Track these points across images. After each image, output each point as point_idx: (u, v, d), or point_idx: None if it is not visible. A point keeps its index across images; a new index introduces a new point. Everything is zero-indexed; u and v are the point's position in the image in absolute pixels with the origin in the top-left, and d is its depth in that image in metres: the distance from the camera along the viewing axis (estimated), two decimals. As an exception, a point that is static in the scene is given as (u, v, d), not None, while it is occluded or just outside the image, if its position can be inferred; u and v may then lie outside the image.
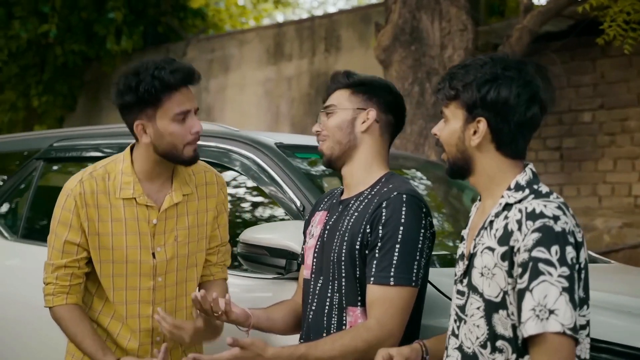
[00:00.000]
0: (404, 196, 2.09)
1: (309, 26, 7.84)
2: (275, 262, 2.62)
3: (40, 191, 3.58)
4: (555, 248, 1.67)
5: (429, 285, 2.27)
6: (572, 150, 6.29)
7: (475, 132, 1.81)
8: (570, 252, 1.68)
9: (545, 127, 6.29)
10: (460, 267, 1.91)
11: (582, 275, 1.74)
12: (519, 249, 1.72)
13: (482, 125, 1.80)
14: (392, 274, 2.04)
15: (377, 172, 2.23)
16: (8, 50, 8.56)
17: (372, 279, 2.06)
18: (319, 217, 2.31)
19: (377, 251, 2.07)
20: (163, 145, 2.20)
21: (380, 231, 2.07)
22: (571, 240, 1.70)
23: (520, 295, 1.69)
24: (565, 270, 1.66)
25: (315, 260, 2.24)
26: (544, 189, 1.81)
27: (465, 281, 1.87)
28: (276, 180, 2.88)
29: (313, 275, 2.24)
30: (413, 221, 2.08)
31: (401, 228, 2.06)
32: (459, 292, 1.90)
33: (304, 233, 2.37)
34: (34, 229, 3.53)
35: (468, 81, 1.81)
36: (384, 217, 2.07)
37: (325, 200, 2.37)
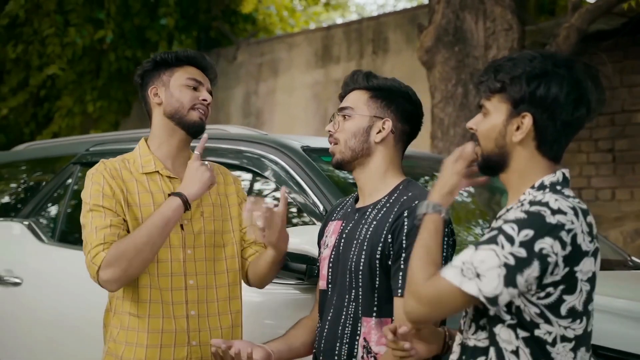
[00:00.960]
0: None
1: (356, 28, 7.79)
2: (295, 267, 2.60)
3: (76, 195, 3.64)
4: (527, 232, 1.62)
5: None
6: (625, 152, 6.07)
7: (518, 128, 1.74)
8: (546, 243, 1.61)
9: (597, 129, 6.10)
10: None
11: (580, 286, 1.66)
12: (499, 217, 1.70)
13: (527, 121, 1.73)
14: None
15: (393, 179, 2.18)
16: (65, 58, 8.75)
17: (399, 291, 2.01)
18: (334, 227, 2.25)
19: (402, 262, 2.01)
20: (171, 104, 2.34)
21: (404, 242, 2.02)
22: (564, 238, 1.63)
23: (467, 247, 1.65)
24: (521, 252, 1.60)
25: (330, 270, 2.20)
26: (568, 192, 1.73)
27: None
28: (300, 184, 2.86)
29: (330, 286, 2.20)
30: None
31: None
32: None
33: (318, 244, 2.33)
34: (70, 233, 3.60)
35: (516, 74, 1.74)
36: (406, 227, 2.03)
37: (338, 209, 2.32)
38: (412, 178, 3.41)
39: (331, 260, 2.19)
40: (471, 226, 3.46)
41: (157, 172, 2.33)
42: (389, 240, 2.04)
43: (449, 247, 2.04)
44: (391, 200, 2.12)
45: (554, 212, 1.64)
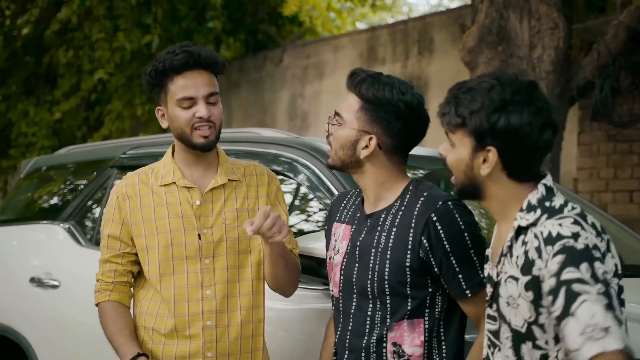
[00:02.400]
0: (449, 204, 2.00)
1: (402, 29, 7.71)
2: (323, 272, 2.55)
3: (113, 199, 3.66)
4: (584, 266, 1.55)
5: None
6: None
7: (484, 161, 1.71)
8: (599, 267, 1.56)
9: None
10: (488, 290, 1.82)
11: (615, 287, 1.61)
12: (544, 277, 1.61)
13: (492, 154, 1.70)
14: (464, 287, 2.00)
15: (398, 184, 2.11)
16: (114, 62, 8.88)
17: (467, 292, 1.99)
18: (342, 231, 2.19)
19: (456, 267, 1.98)
20: (175, 129, 2.28)
21: (448, 247, 1.98)
22: (597, 255, 1.58)
23: (561, 321, 1.56)
24: (601, 287, 1.54)
25: (342, 277, 2.14)
26: (557, 202, 1.69)
27: (494, 306, 1.77)
28: (329, 188, 2.82)
29: (341, 294, 2.15)
30: (471, 226, 2.00)
31: (465, 235, 1.98)
32: (490, 317, 1.80)
33: (327, 246, 2.27)
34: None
35: (475, 109, 1.69)
36: (442, 233, 1.98)
37: (341, 208, 2.25)
38: (446, 182, 3.39)
39: (343, 267, 2.14)
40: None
41: (174, 183, 2.31)
42: (426, 245, 1.99)
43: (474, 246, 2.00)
44: (405, 204, 2.06)
45: (574, 237, 1.59)
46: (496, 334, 1.77)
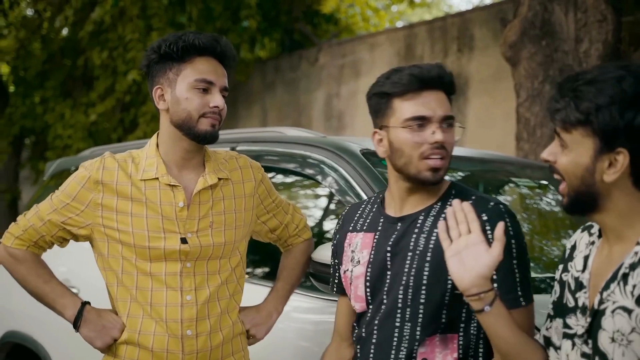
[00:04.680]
0: (501, 207, 1.86)
1: (440, 26, 7.46)
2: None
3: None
4: None
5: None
6: None
7: (610, 165, 1.46)
8: None
9: None
10: (582, 322, 1.55)
11: None
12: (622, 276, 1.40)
13: (623, 157, 1.45)
14: (519, 293, 1.80)
15: (442, 185, 1.97)
16: (148, 62, 8.83)
17: (521, 301, 1.82)
18: (361, 240, 2.00)
19: (515, 268, 1.82)
20: (178, 113, 2.05)
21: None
22: None
23: None
24: None
25: (368, 290, 1.95)
26: None
27: (590, 342, 1.51)
28: (356, 191, 2.62)
29: (370, 307, 1.96)
30: (519, 232, 1.86)
31: (513, 242, 1.82)
32: (585, 355, 1.53)
33: (337, 259, 2.09)
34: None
35: (603, 103, 1.44)
36: (489, 234, 1.79)
37: (356, 218, 2.07)
38: (491, 184, 3.19)
39: (368, 277, 1.95)
40: (560, 237, 3.14)
41: (157, 179, 2.08)
42: None
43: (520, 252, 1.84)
44: (448, 206, 1.89)
45: None
46: None
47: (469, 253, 1.63)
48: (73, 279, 3.52)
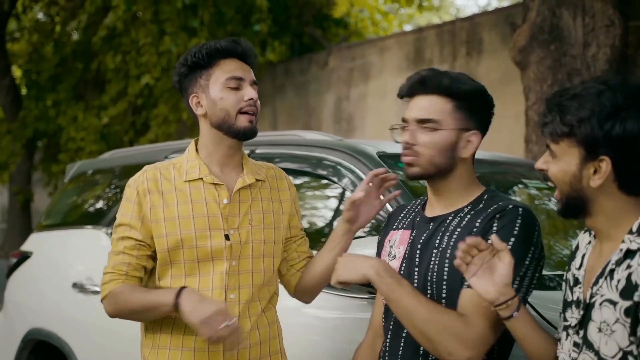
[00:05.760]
0: (520, 209, 1.92)
1: (449, 30, 7.55)
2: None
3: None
4: None
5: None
6: None
7: (595, 172, 1.59)
8: None
9: None
10: (575, 315, 1.68)
11: None
12: (604, 274, 1.51)
13: (606, 164, 1.57)
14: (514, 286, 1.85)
15: (476, 190, 2.06)
16: (160, 66, 8.92)
17: (466, 283, 1.88)
18: (399, 237, 2.11)
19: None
20: (216, 114, 2.15)
21: (489, 241, 1.86)
22: None
23: None
24: None
25: None
26: None
27: (581, 332, 1.64)
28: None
29: None
30: (525, 236, 1.89)
31: (512, 239, 1.87)
32: (575, 345, 1.66)
33: (378, 255, 2.18)
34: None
35: (584, 115, 1.57)
36: (495, 227, 1.90)
37: (400, 217, 2.18)
38: (502, 185, 3.27)
39: (401, 272, 2.05)
40: (568, 238, 3.23)
41: (201, 179, 2.17)
42: None
43: (534, 260, 1.89)
44: (477, 209, 1.99)
45: None
46: None
47: (486, 269, 1.72)
48: (96, 279, 3.61)
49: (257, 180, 2.25)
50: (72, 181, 4.58)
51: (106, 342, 3.51)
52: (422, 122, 2.00)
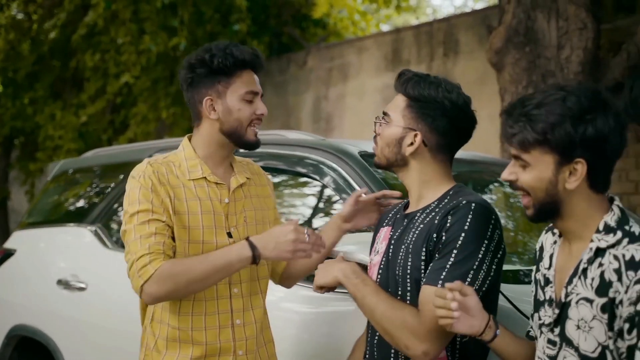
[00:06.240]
0: (473, 204, 1.98)
1: (427, 31, 7.66)
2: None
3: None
4: None
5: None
6: None
7: (571, 174, 1.65)
8: None
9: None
10: (549, 313, 1.75)
11: None
12: (621, 302, 1.56)
13: (581, 166, 1.64)
14: (442, 276, 1.93)
15: (442, 186, 2.13)
16: (140, 65, 8.94)
17: (424, 279, 1.97)
18: (384, 233, 2.22)
19: (436, 255, 1.98)
20: (230, 122, 2.23)
21: (443, 237, 1.97)
22: None
23: (630, 352, 1.54)
24: None
25: (379, 277, 2.15)
26: (637, 228, 1.64)
27: (557, 330, 1.72)
28: (354, 189, 2.80)
29: None
30: (476, 229, 1.95)
31: (462, 234, 1.95)
32: (550, 342, 1.74)
33: (370, 251, 2.29)
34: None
35: (555, 121, 1.63)
36: (448, 223, 1.98)
37: (390, 215, 2.28)
38: (478, 184, 3.36)
39: (381, 266, 2.16)
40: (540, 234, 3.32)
41: (205, 178, 2.26)
42: (434, 238, 2.00)
43: (488, 252, 1.96)
44: (440, 205, 2.07)
45: None
46: (554, 359, 1.72)
47: (460, 311, 1.78)
48: (81, 275, 3.66)
49: (247, 178, 2.36)
50: (55, 179, 4.61)
51: (91, 337, 3.56)
52: (383, 114, 2.16)
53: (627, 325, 1.54)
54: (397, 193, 2.41)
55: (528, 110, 1.67)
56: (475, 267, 1.93)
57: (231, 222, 2.27)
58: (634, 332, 1.52)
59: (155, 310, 2.28)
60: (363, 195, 2.41)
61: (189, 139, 2.32)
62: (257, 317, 2.30)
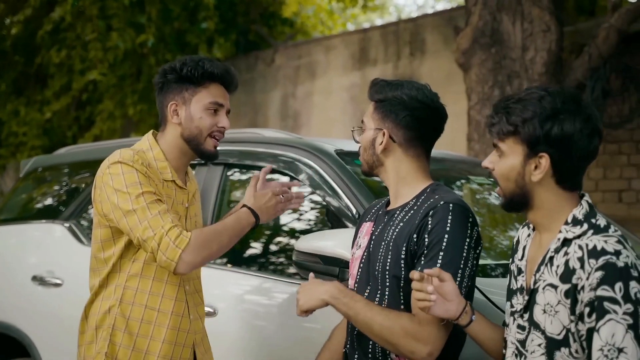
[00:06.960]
0: (451, 205, 2.07)
1: (393, 30, 7.78)
2: (328, 270, 2.60)
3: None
4: (619, 285, 1.65)
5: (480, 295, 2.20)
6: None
7: (536, 167, 1.80)
8: (634, 287, 1.66)
9: (638, 130, 6.00)
10: (520, 300, 1.89)
11: None
12: (582, 288, 1.69)
13: (545, 161, 1.79)
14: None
15: (419, 183, 2.21)
16: (107, 62, 8.90)
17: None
18: (366, 228, 2.30)
19: (422, 259, 2.05)
20: (190, 129, 2.32)
21: (426, 239, 2.05)
22: (634, 274, 1.67)
23: (589, 335, 1.67)
24: (629, 307, 1.64)
25: (360, 270, 2.24)
26: (602, 222, 1.78)
27: (526, 316, 1.85)
28: (333, 188, 2.87)
29: (356, 285, 2.24)
30: (458, 230, 2.05)
31: (446, 236, 2.03)
32: (520, 327, 1.87)
33: (352, 244, 2.37)
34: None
35: (527, 116, 1.79)
36: (429, 225, 2.06)
37: (373, 211, 2.37)
38: (447, 181, 3.46)
39: (362, 260, 2.24)
40: (507, 230, 3.44)
41: (174, 181, 2.35)
42: (414, 239, 2.07)
43: (471, 250, 2.05)
44: (418, 203, 2.15)
45: (616, 255, 1.68)
46: (523, 343, 1.84)
47: (437, 295, 1.90)
48: (57, 271, 3.67)
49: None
50: (27, 177, 4.60)
51: (67, 333, 3.57)
52: (360, 123, 2.29)
53: (587, 310, 1.67)
54: (296, 183, 2.63)
55: (508, 104, 1.83)
56: (462, 266, 2.03)
57: (189, 225, 2.38)
58: (594, 316, 1.65)
59: (127, 294, 2.31)
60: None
61: (155, 138, 2.38)
62: (201, 312, 2.47)
